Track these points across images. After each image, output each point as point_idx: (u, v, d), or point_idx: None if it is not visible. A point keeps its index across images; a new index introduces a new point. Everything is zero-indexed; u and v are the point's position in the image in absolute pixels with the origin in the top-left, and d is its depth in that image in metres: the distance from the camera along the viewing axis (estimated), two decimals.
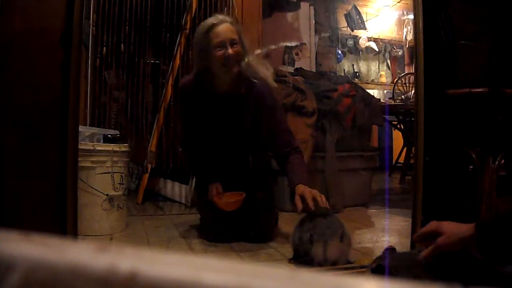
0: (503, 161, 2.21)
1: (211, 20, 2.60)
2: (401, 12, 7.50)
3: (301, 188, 2.30)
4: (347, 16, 6.89)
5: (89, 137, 2.89)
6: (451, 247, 1.38)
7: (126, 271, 0.23)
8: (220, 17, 2.62)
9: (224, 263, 0.23)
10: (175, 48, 4.26)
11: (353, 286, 0.20)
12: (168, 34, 4.38)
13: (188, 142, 2.87)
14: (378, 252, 1.58)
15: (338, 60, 6.60)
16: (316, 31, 4.37)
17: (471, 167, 2.28)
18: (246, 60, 2.60)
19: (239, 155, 2.71)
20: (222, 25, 2.55)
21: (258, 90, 2.62)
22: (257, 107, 2.63)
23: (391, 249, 1.56)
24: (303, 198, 2.23)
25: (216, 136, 2.70)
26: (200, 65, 2.66)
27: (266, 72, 2.67)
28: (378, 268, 1.49)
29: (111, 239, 2.67)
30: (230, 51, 2.52)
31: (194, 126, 2.77)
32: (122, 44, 4.25)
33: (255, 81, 2.61)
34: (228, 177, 2.69)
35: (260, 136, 2.67)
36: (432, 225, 1.50)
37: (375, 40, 7.53)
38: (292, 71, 4.40)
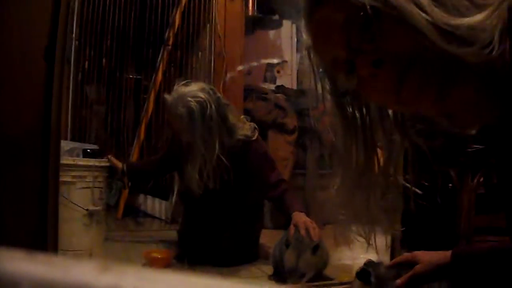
0: (482, 179, 2.23)
1: (169, 100, 2.48)
2: None
3: (296, 217, 2.29)
4: None
5: (68, 151, 2.87)
6: (428, 275, 1.39)
7: None
8: (175, 99, 2.46)
9: (224, 283, 0.24)
10: (157, 64, 4.26)
11: None
12: (150, 50, 4.38)
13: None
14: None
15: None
16: (297, 49, 4.40)
17: (450, 185, 2.31)
18: None
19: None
20: (174, 116, 2.46)
21: (237, 152, 2.51)
22: (239, 166, 2.53)
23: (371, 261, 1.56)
24: (296, 228, 2.22)
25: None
26: None
27: (242, 131, 2.55)
28: (363, 272, 1.50)
29: (91, 254, 2.64)
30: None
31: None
32: (104, 59, 4.24)
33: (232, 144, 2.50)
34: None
35: (247, 189, 2.63)
36: (405, 256, 1.51)
37: None
38: (274, 88, 4.42)
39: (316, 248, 2.13)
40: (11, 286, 0.24)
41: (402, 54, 0.73)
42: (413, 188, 0.96)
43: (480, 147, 1.99)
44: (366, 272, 1.49)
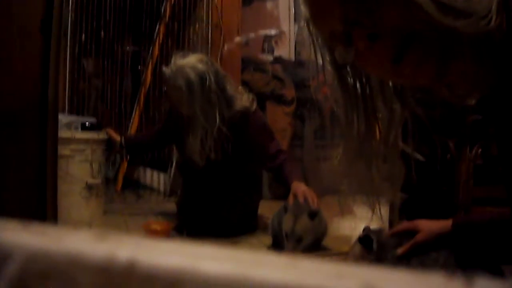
0: (480, 150, 2.23)
1: (168, 73, 2.47)
2: None
3: (295, 186, 2.28)
4: None
5: (66, 125, 2.86)
6: (428, 244, 1.40)
7: (125, 260, 0.23)
8: (173, 71, 2.44)
9: (223, 251, 0.24)
10: (154, 36, 4.23)
11: (355, 274, 0.21)
12: (148, 22, 4.34)
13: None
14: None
15: None
16: (295, 20, 4.35)
17: (449, 156, 2.31)
18: None
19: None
20: (173, 88, 2.46)
21: (236, 123, 2.49)
22: (238, 136, 2.50)
23: (368, 228, 1.57)
24: (295, 196, 2.22)
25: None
26: None
27: (240, 102, 2.53)
28: (366, 239, 1.51)
29: (90, 227, 2.66)
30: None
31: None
32: (102, 31, 4.20)
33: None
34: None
35: (246, 156, 2.61)
36: (406, 224, 1.52)
37: None
38: (272, 59, 4.39)
39: (314, 215, 2.12)
40: (5, 256, 0.24)
41: (398, 28, 0.73)
42: (415, 155, 0.96)
43: (479, 118, 1.98)
44: (368, 238, 1.50)
